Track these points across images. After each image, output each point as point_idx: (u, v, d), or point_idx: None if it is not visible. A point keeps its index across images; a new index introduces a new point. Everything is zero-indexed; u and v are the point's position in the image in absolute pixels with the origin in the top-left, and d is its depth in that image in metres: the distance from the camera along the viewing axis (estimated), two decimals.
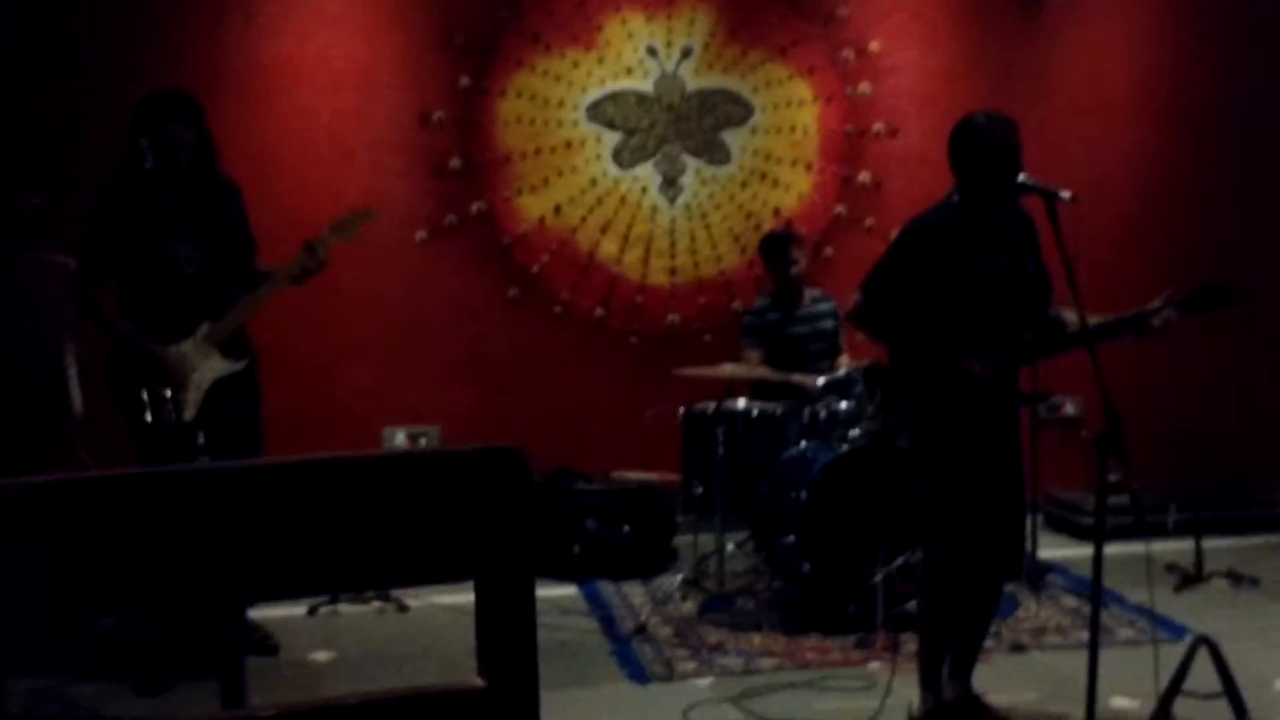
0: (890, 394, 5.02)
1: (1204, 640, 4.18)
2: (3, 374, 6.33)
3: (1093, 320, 4.14)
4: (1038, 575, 6.14)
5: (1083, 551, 6.68)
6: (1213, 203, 7.98)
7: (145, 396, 4.89)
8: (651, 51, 7.30)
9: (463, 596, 1.17)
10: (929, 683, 4.43)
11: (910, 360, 4.40)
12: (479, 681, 1.34)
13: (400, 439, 7.11)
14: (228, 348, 5.04)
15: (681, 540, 6.78)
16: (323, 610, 5.84)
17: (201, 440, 5.10)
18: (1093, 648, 3.85)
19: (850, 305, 4.52)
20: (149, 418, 4.89)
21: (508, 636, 1.34)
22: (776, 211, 7.47)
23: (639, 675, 5.07)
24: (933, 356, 4.26)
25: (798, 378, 6.19)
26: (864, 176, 7.60)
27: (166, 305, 4.95)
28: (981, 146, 4.22)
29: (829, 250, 7.51)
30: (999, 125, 4.25)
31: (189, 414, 4.95)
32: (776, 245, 6.60)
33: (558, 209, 7.30)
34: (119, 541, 1.19)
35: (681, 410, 6.25)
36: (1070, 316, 4.37)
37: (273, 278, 5.10)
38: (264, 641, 5.28)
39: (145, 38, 6.69)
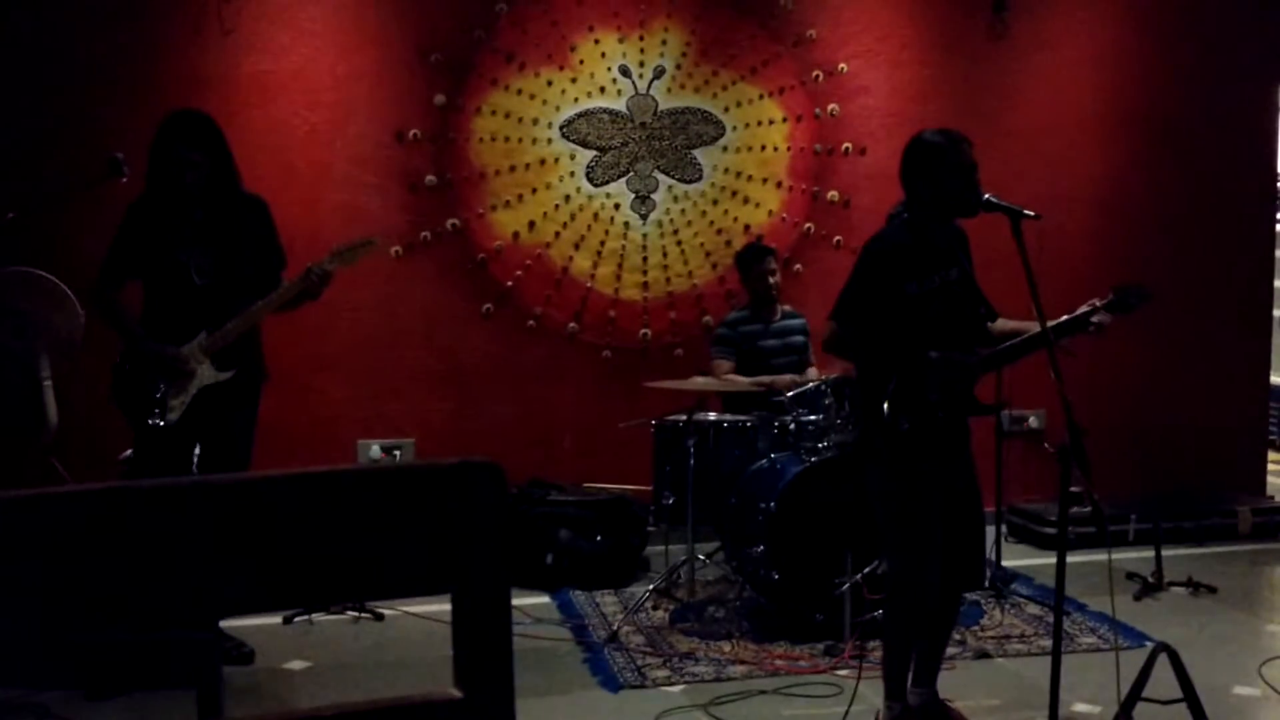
0: (858, 408, 5.07)
1: (1164, 647, 4.25)
2: None
3: (1024, 328, 4.33)
4: (1002, 584, 6.23)
5: (1045, 560, 6.83)
6: (1172, 219, 8.12)
7: (158, 395, 5.06)
8: (624, 71, 7.40)
9: (436, 605, 1.15)
10: (894, 691, 4.48)
11: (883, 376, 4.37)
12: (456, 692, 1.35)
13: (375, 451, 7.16)
14: (221, 359, 5.15)
15: (653, 550, 6.86)
16: (298, 619, 5.88)
17: (199, 452, 5.26)
18: (1055, 655, 3.92)
19: (825, 334, 4.50)
20: (151, 420, 5.05)
21: (484, 648, 1.35)
22: (747, 228, 7.57)
23: (611, 683, 5.13)
24: (906, 370, 4.27)
25: (767, 379, 6.29)
26: (832, 194, 7.70)
27: (176, 313, 5.13)
28: (943, 164, 4.27)
29: (798, 266, 7.61)
30: (958, 142, 4.31)
31: (172, 417, 5.07)
32: (754, 255, 6.69)
33: (532, 225, 7.38)
34: (97, 554, 1.19)
35: (653, 422, 6.32)
36: (1006, 325, 4.47)
37: (269, 296, 5.21)
38: (238, 650, 5.30)
39: (121, 51, 6.72)
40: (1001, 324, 4.49)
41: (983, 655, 5.42)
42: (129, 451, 5.65)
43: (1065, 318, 4.29)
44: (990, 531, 6.52)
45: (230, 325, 5.13)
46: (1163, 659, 4.20)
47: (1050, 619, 5.04)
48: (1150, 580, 6.38)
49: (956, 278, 4.35)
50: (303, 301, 5.31)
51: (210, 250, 5.14)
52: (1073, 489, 3.93)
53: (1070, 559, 3.98)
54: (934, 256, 4.33)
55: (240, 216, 5.25)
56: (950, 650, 5.29)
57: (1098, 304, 4.29)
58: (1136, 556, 6.76)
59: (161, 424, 5.08)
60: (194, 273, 5.12)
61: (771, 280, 6.62)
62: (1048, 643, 5.05)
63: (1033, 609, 6.05)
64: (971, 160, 4.29)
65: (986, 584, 6.20)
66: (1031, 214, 4.06)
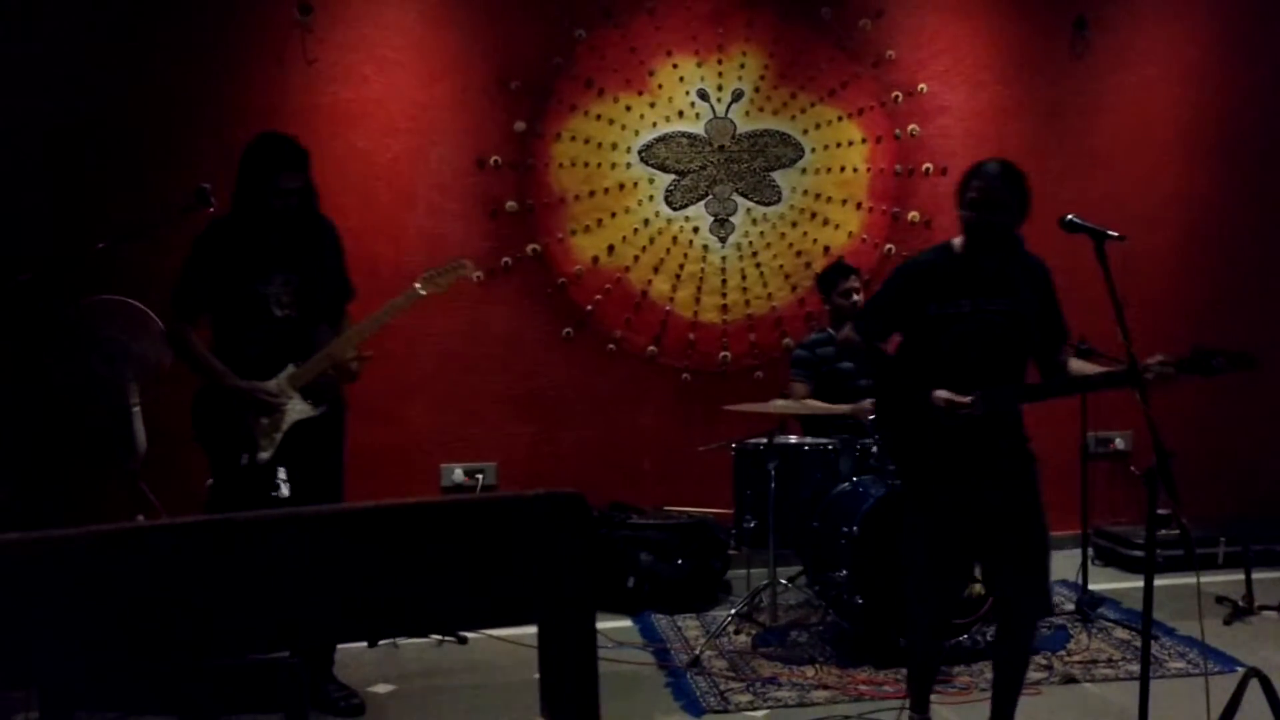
0: (879, 427, 5.09)
1: (1255, 673, 4.18)
2: (69, 413, 6.48)
3: (1086, 371, 4.28)
4: (1089, 608, 6.16)
5: (1133, 584, 6.73)
6: (1260, 239, 8.01)
7: (250, 433, 4.90)
8: (703, 95, 7.42)
9: (520, 629, 1.15)
10: (915, 704, 4.58)
11: (892, 393, 4.52)
12: None
13: (458, 474, 7.22)
14: (310, 392, 5.00)
15: (735, 574, 6.85)
16: (383, 642, 5.93)
17: (283, 475, 5.03)
18: (1144, 680, 3.87)
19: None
20: (244, 459, 4.88)
21: (570, 676, 1.38)
22: (827, 250, 7.56)
23: (694, 707, 5.12)
24: (909, 389, 4.36)
25: (845, 408, 6.23)
26: (913, 215, 7.68)
27: (256, 346, 4.92)
28: (961, 191, 4.29)
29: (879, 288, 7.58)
30: (978, 173, 4.26)
31: (265, 455, 4.91)
32: (837, 273, 6.64)
33: (611, 249, 7.42)
34: (194, 584, 1.23)
35: (733, 445, 6.32)
36: (1078, 366, 4.42)
37: (364, 322, 5.07)
38: (347, 701, 5.14)
39: (207, 83, 6.85)
40: (1074, 364, 4.44)
41: (1070, 680, 5.36)
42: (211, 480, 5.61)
43: (1123, 369, 4.06)
44: (1076, 555, 6.49)
45: (316, 360, 4.97)
46: (1254, 684, 4.14)
47: (1138, 643, 4.97)
48: (1241, 604, 6.28)
49: (1002, 308, 4.28)
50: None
51: (289, 280, 4.95)
52: (1160, 511, 3.86)
53: (1159, 582, 3.92)
54: (971, 281, 4.29)
55: (317, 241, 5.07)
56: (1037, 675, 5.27)
57: (1163, 359, 4.08)
58: (1227, 580, 6.65)
59: (255, 463, 4.91)
60: (273, 305, 4.93)
61: (853, 299, 6.59)
62: (1135, 667, 4.97)
63: (1120, 633, 5.97)
64: (981, 194, 4.20)
65: (1073, 608, 6.15)
66: (1116, 235, 4.00)
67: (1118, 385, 4.18)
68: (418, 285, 5.16)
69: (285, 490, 5.09)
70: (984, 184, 4.21)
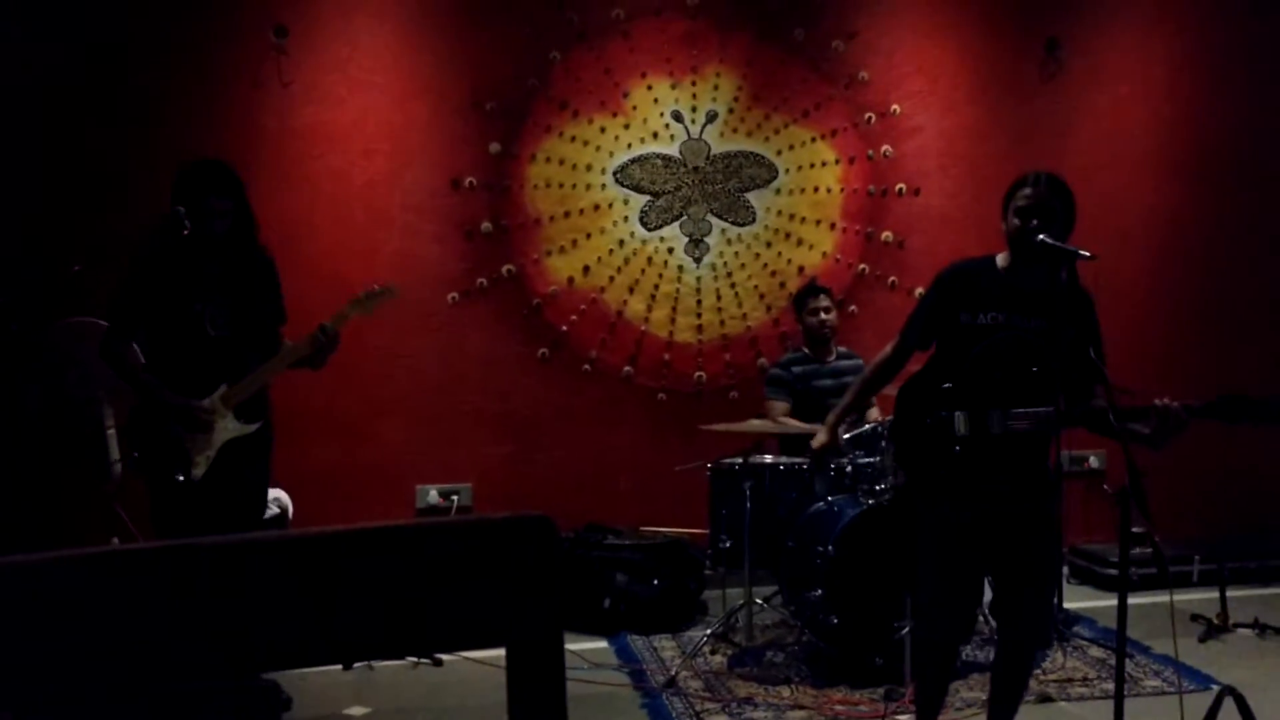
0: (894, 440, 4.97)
1: (1229, 690, 4.20)
2: (43, 436, 6.45)
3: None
4: (1064, 627, 6.16)
5: (1108, 602, 6.73)
6: (1232, 257, 8.06)
7: (184, 450, 4.90)
8: (677, 116, 7.45)
9: (494, 650, 1.17)
10: None
11: (911, 406, 4.36)
12: None
13: (433, 496, 7.20)
14: (243, 411, 5.00)
15: (710, 594, 6.85)
16: (358, 665, 5.90)
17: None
18: (1118, 698, 3.87)
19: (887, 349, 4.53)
20: (180, 476, 4.88)
21: (538, 702, 1.35)
22: (801, 270, 7.58)
23: None
24: (929, 402, 4.26)
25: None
26: (887, 235, 7.71)
27: (190, 365, 4.93)
28: (1007, 201, 4.21)
29: (853, 307, 7.61)
30: (1025, 183, 4.19)
31: (198, 471, 4.90)
32: (809, 292, 6.70)
33: (586, 269, 7.42)
34: (162, 609, 1.21)
35: (709, 465, 6.31)
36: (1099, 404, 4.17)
37: (286, 348, 5.07)
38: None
39: (183, 105, 6.84)
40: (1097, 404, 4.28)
41: (1045, 699, 5.36)
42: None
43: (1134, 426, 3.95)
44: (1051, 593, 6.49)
45: (250, 378, 4.98)
46: (1229, 702, 4.15)
47: (1113, 661, 4.99)
48: (1215, 621, 6.30)
49: (1036, 327, 4.14)
50: (303, 365, 5.13)
51: (226, 302, 4.98)
52: (1134, 529, 3.85)
53: (1133, 601, 3.93)
54: (1007, 295, 4.19)
55: (255, 269, 5.10)
56: None
57: (1174, 405, 3.96)
58: (1202, 598, 6.68)
59: (190, 480, 4.90)
60: (208, 324, 4.94)
61: (825, 317, 6.62)
62: (1110, 686, 4.99)
63: (1095, 652, 5.97)
64: (1033, 201, 4.12)
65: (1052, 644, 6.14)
66: (1087, 255, 3.94)
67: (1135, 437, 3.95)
68: (346, 309, 5.13)
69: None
70: (1034, 191, 4.14)
